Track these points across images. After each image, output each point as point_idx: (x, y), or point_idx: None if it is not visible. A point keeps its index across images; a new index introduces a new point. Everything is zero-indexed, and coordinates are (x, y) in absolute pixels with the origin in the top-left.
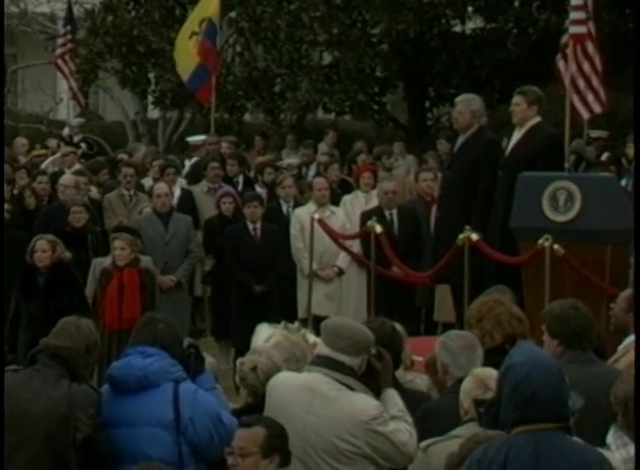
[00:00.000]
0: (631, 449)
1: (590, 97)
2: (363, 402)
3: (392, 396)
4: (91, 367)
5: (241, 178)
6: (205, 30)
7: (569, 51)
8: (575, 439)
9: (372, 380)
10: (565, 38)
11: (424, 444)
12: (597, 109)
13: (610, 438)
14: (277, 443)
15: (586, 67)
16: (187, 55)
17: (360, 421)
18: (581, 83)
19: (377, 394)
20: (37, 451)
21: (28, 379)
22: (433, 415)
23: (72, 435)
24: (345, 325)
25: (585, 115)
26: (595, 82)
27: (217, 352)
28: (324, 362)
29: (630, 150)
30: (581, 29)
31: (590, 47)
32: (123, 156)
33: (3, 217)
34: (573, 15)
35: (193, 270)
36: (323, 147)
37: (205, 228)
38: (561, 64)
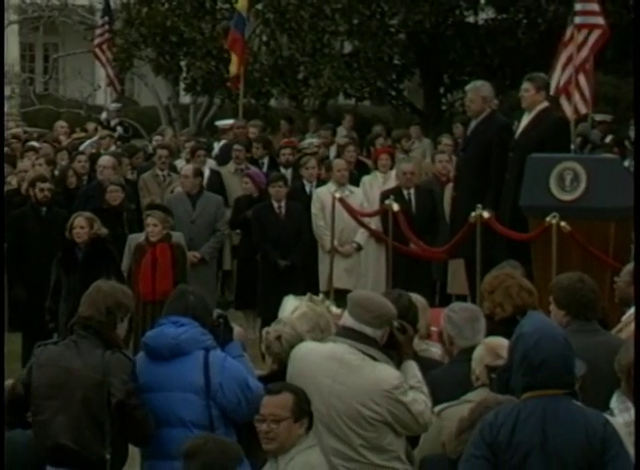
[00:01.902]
0: (634, 414)
1: (576, 96)
2: (386, 372)
3: (412, 367)
4: (124, 329)
5: (266, 160)
6: (234, 21)
7: (569, 41)
8: (580, 403)
9: (393, 351)
10: (568, 34)
11: (437, 408)
12: (582, 109)
13: (613, 402)
14: (305, 406)
15: (577, 61)
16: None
17: (383, 390)
18: (570, 82)
19: (397, 364)
20: (75, 416)
21: (66, 350)
22: (439, 382)
23: (107, 399)
24: (370, 299)
25: (571, 115)
26: (582, 81)
27: (244, 322)
28: (349, 333)
29: (633, 133)
30: (587, 20)
31: (592, 38)
32: (159, 137)
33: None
34: (578, 6)
35: (220, 247)
36: (341, 131)
37: (234, 206)
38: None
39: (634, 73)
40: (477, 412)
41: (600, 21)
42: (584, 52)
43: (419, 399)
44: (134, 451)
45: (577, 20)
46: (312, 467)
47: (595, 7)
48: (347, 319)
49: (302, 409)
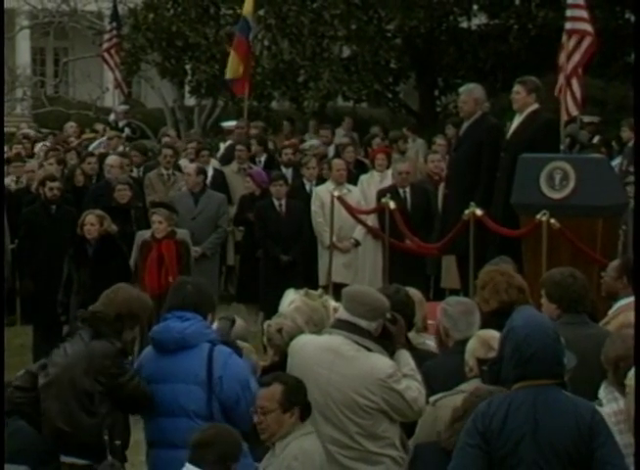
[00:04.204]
0: (621, 403)
1: (568, 98)
2: (380, 362)
3: (405, 356)
4: (130, 335)
5: (263, 158)
6: (239, 27)
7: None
8: (569, 393)
9: (387, 342)
10: (564, 38)
11: (432, 398)
12: (573, 111)
13: (601, 392)
14: (294, 397)
15: (569, 67)
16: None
17: (377, 379)
18: (562, 84)
19: (391, 354)
20: (66, 401)
21: (68, 342)
22: (434, 373)
23: (95, 386)
24: (364, 293)
25: (564, 116)
26: (574, 84)
27: (246, 315)
28: (344, 326)
29: (624, 134)
30: (576, 26)
31: (584, 44)
32: (167, 139)
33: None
34: (568, 12)
35: (221, 243)
36: (340, 132)
37: (238, 204)
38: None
39: (634, 74)
40: (469, 402)
41: (589, 28)
42: (577, 56)
43: (412, 387)
44: (140, 440)
45: (568, 25)
46: (305, 452)
47: (584, 14)
48: (343, 313)
49: (291, 401)
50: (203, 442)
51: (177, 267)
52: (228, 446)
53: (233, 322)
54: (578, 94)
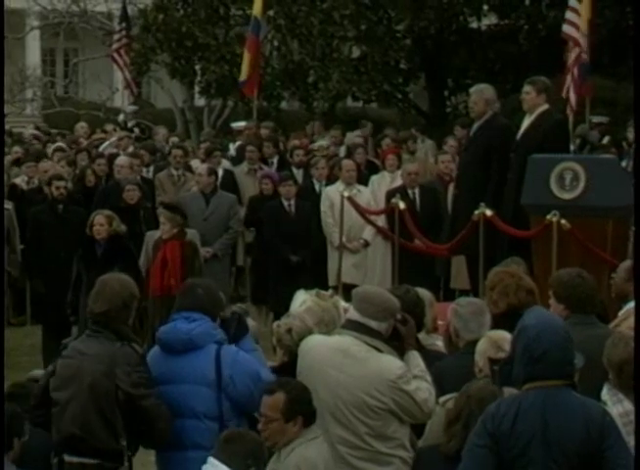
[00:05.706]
0: (627, 405)
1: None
2: (390, 363)
3: (415, 357)
4: (134, 315)
5: (275, 159)
6: (251, 26)
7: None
8: (579, 395)
9: (397, 342)
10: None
11: (442, 399)
12: (567, 110)
13: (604, 395)
14: (298, 406)
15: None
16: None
17: (387, 379)
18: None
19: (401, 355)
20: (83, 405)
21: (80, 344)
22: (444, 374)
23: (114, 390)
24: (374, 293)
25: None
26: (571, 89)
27: (256, 316)
28: (354, 326)
29: (631, 134)
30: (569, 30)
31: (576, 51)
32: (175, 139)
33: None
34: (568, 15)
35: (233, 243)
36: (357, 133)
37: (247, 205)
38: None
39: (634, 73)
40: (460, 402)
41: (579, 37)
42: (573, 54)
43: (422, 388)
44: None
45: (565, 28)
46: (307, 460)
47: (577, 20)
48: (353, 313)
49: (294, 410)
50: (226, 438)
51: (181, 269)
52: (249, 443)
53: (240, 315)
54: (572, 95)
